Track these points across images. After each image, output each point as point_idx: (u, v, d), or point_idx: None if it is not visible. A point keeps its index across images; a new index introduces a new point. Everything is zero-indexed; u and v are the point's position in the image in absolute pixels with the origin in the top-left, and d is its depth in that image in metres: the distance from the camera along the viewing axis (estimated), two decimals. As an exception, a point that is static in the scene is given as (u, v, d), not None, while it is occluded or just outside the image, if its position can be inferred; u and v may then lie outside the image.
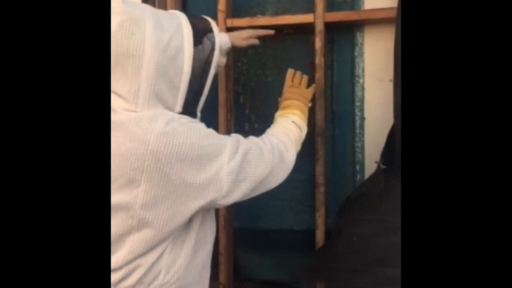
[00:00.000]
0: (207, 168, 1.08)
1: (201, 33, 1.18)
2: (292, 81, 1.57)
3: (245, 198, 1.19)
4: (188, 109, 1.18)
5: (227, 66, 1.85)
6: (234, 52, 1.93)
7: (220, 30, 1.83)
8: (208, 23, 1.23)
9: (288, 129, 1.38)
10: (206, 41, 1.20)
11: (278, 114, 1.49)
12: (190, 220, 1.15)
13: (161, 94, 1.10)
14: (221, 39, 1.54)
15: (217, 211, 1.85)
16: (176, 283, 1.15)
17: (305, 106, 1.51)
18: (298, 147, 1.41)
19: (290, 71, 1.61)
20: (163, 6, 1.91)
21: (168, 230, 1.10)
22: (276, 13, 1.89)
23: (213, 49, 1.20)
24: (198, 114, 1.23)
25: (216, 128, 1.84)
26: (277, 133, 1.34)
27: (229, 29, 1.85)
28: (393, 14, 1.65)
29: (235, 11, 1.90)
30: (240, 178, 1.14)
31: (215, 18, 1.84)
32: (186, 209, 1.09)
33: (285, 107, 1.49)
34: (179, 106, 1.15)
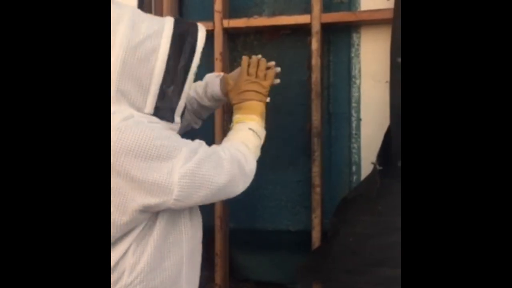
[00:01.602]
0: (156, 168, 1.07)
1: (184, 38, 1.18)
2: (248, 73, 1.43)
3: (202, 204, 1.18)
4: (164, 113, 1.18)
5: (223, 66, 1.85)
6: (230, 53, 1.93)
7: (217, 31, 1.83)
8: (195, 29, 1.21)
9: (246, 138, 1.31)
10: (187, 46, 1.19)
11: (235, 118, 1.38)
12: (152, 220, 1.15)
13: (127, 92, 1.10)
14: (212, 88, 1.50)
15: (212, 212, 1.85)
16: (140, 284, 1.13)
17: (262, 105, 1.40)
18: (258, 154, 1.33)
19: (245, 58, 1.47)
20: (159, 6, 1.91)
21: (120, 226, 1.09)
22: (273, 14, 1.89)
23: (192, 55, 1.19)
24: (177, 119, 1.22)
25: (213, 129, 1.84)
26: (236, 143, 1.28)
27: (226, 30, 1.85)
28: (389, 15, 1.66)
29: (232, 11, 1.91)
30: (195, 184, 1.11)
31: (212, 18, 1.84)
32: (134, 206, 1.08)
33: (242, 109, 1.39)
34: (149, 107, 1.14)
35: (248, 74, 1.42)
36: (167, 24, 1.17)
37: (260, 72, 1.43)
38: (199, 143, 1.19)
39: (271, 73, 1.44)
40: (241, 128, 1.33)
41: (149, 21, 1.16)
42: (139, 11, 1.20)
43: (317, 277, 1.70)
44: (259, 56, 1.46)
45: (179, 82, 1.18)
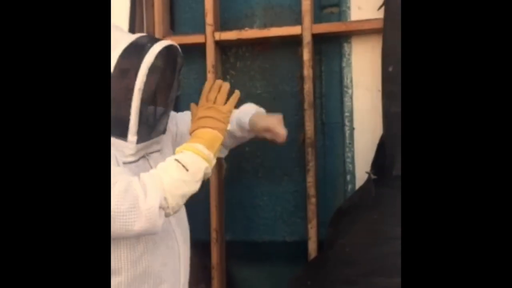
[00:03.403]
0: None
1: (133, 55, 1.17)
2: (207, 98, 1.32)
3: None
4: (117, 132, 1.18)
5: (216, 79, 1.85)
6: (222, 65, 1.93)
7: (209, 44, 1.84)
8: (149, 46, 1.18)
9: (165, 171, 1.17)
10: (134, 63, 1.16)
11: (179, 147, 1.25)
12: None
13: None
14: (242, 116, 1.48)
15: (208, 224, 1.84)
16: None
17: (215, 132, 1.26)
18: (183, 190, 1.17)
19: (208, 82, 1.37)
20: (151, 21, 1.91)
21: None
22: (264, 26, 1.90)
23: (136, 73, 1.16)
24: (131, 138, 1.20)
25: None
26: (146, 177, 1.15)
27: (217, 43, 1.86)
28: (379, 25, 1.67)
29: (223, 24, 1.91)
30: None
31: (203, 31, 1.85)
32: None
33: (191, 137, 1.28)
34: None
35: (207, 99, 1.31)
36: (125, 39, 1.18)
37: (220, 97, 1.31)
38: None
39: (233, 97, 1.34)
40: (169, 159, 1.21)
41: (112, 36, 1.15)
42: (113, 28, 1.19)
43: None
44: (226, 84, 1.35)
45: (126, 97, 1.17)
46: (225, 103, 1.31)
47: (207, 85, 1.34)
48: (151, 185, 1.13)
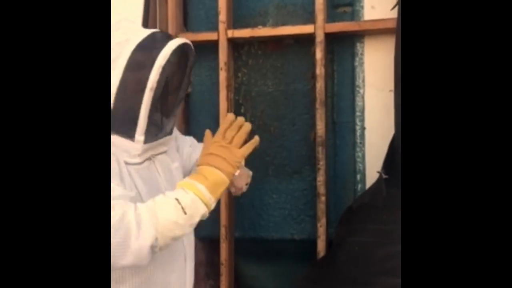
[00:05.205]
0: None
1: (146, 52, 1.12)
2: (224, 135, 1.21)
3: None
4: (121, 127, 1.13)
5: (228, 76, 1.86)
6: (235, 63, 1.94)
7: (222, 41, 1.85)
8: (163, 44, 1.13)
9: (163, 209, 1.10)
10: (147, 60, 1.11)
11: (182, 181, 1.18)
12: None
13: None
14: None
15: (218, 221, 1.85)
16: None
17: (222, 176, 1.16)
18: (175, 232, 1.11)
19: (228, 118, 1.25)
20: (164, 18, 1.93)
21: None
22: (277, 24, 1.90)
23: (149, 71, 1.11)
24: (138, 137, 1.15)
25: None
26: (145, 211, 1.09)
27: (230, 40, 1.86)
28: (392, 24, 1.67)
29: (236, 22, 1.92)
30: None
31: (216, 29, 1.86)
32: None
33: (196, 173, 1.18)
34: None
35: (223, 137, 1.21)
36: (138, 35, 1.13)
37: (238, 138, 1.21)
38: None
39: (251, 143, 1.23)
40: (170, 195, 1.13)
41: (125, 29, 1.13)
42: (126, 22, 1.18)
43: (321, 287, 1.70)
44: (248, 124, 1.25)
45: (136, 95, 1.11)
46: (242, 145, 1.21)
47: (227, 120, 1.24)
48: (146, 222, 1.07)
